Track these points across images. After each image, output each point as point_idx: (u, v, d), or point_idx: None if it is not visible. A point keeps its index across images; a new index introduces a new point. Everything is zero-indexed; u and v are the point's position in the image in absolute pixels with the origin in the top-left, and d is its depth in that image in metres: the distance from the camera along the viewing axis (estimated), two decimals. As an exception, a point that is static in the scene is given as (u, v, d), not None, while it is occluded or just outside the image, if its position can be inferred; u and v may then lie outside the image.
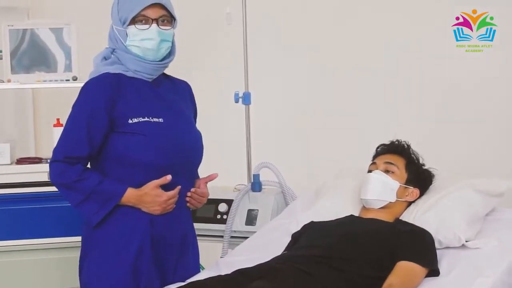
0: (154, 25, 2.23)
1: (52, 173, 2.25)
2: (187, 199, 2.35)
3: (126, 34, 2.25)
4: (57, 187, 2.28)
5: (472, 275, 2.08)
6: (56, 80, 3.15)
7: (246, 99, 3.12)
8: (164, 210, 2.26)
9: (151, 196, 2.23)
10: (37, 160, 3.12)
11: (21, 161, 3.10)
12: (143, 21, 2.23)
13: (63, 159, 2.21)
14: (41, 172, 3.05)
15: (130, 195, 2.22)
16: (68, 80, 3.14)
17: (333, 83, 3.72)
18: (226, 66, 3.78)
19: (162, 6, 2.25)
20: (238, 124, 3.24)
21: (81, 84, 3.11)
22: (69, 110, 3.12)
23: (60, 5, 3.90)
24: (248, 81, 3.17)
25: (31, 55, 3.14)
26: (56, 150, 2.25)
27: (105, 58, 2.31)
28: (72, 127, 2.23)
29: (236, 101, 3.11)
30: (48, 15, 3.75)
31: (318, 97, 3.75)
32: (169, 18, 2.27)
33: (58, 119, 3.14)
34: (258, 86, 3.27)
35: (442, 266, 2.16)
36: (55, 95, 3.79)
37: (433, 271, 2.12)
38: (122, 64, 2.28)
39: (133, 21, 2.23)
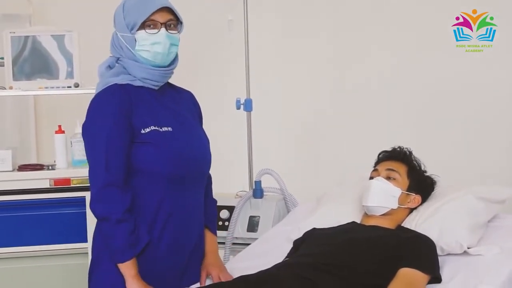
0: (163, 29, 2.23)
1: (100, 199, 2.13)
2: None
3: (135, 40, 2.24)
4: (95, 213, 2.16)
5: (473, 282, 2.07)
6: (58, 87, 3.16)
7: (247, 105, 3.12)
8: None
9: None
10: (38, 167, 3.12)
11: (22, 168, 3.11)
12: (152, 26, 2.23)
13: (115, 182, 2.13)
14: (43, 178, 3.05)
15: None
16: (70, 87, 3.15)
17: (334, 89, 3.72)
18: (228, 72, 3.79)
19: (169, 10, 2.25)
20: (239, 130, 3.24)
21: (83, 91, 3.14)
22: (71, 117, 3.14)
23: (62, 12, 3.91)
24: (249, 88, 3.18)
25: (33, 62, 3.15)
26: (101, 174, 2.14)
27: (109, 67, 2.28)
28: (107, 145, 2.14)
29: (238, 107, 3.11)
30: (50, 22, 3.75)
31: (319, 103, 3.76)
32: (175, 23, 2.28)
33: (59, 126, 3.14)
34: (259, 93, 3.28)
35: (444, 273, 2.15)
36: (57, 102, 3.80)
37: (435, 278, 2.11)
38: (129, 73, 2.26)
39: (142, 26, 2.23)
